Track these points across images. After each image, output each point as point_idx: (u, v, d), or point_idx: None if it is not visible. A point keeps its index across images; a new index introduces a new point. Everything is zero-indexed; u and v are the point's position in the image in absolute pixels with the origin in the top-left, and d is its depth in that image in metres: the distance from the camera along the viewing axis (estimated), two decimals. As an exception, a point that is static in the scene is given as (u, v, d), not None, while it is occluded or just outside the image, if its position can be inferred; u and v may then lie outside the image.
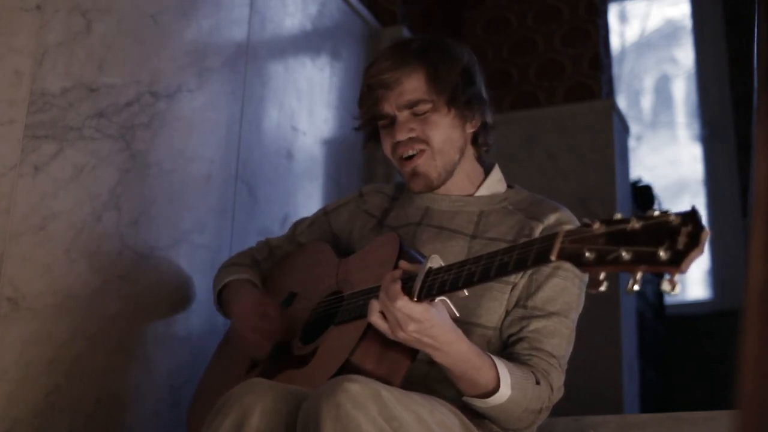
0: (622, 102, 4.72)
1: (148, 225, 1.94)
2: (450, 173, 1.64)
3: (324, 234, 1.85)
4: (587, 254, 1.07)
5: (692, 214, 1.00)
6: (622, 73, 5.08)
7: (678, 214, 1.01)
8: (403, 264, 1.43)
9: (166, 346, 1.98)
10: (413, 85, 1.61)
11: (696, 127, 4.96)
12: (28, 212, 1.65)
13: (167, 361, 1.98)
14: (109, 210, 1.83)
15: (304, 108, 2.64)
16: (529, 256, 1.19)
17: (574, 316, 1.56)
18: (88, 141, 1.79)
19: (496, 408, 1.41)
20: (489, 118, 1.68)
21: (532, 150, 3.54)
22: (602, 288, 1.07)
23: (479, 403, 1.41)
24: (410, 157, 1.62)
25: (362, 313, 1.43)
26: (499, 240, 1.59)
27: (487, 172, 1.71)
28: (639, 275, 1.03)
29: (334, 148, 2.80)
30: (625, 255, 1.03)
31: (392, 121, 1.63)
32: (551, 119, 3.60)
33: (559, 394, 1.51)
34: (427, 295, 1.32)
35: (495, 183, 1.69)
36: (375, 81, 1.63)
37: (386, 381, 1.37)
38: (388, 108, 1.62)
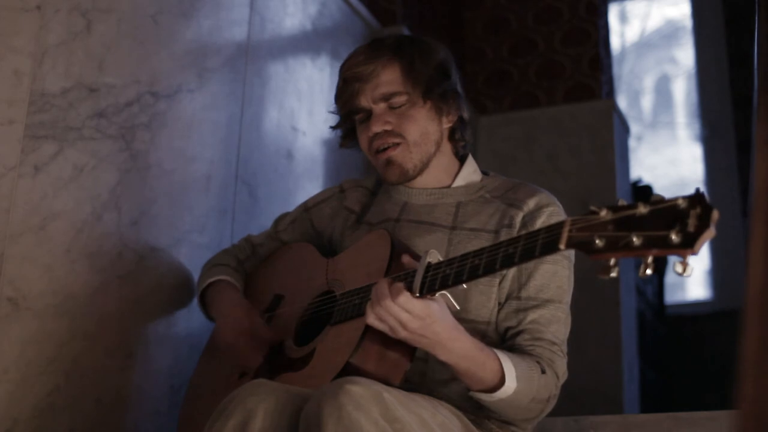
0: (622, 102, 4.72)
1: (148, 225, 1.94)
2: (426, 165, 1.64)
3: (306, 231, 1.84)
4: (597, 241, 1.07)
5: (699, 196, 1.00)
6: (622, 73, 5.08)
7: (685, 198, 1.01)
8: (405, 259, 1.42)
9: (166, 346, 1.98)
10: (389, 78, 1.61)
11: (696, 127, 4.97)
12: (28, 212, 1.65)
13: (167, 361, 1.98)
14: (109, 210, 1.83)
15: (304, 108, 2.64)
16: (536, 246, 1.18)
17: (568, 298, 1.56)
18: (88, 141, 1.79)
19: (503, 401, 1.40)
20: (466, 114, 1.68)
21: (532, 150, 3.54)
22: (613, 274, 1.07)
23: (485, 397, 1.41)
24: (385, 149, 1.62)
25: (359, 312, 1.42)
26: (479, 230, 1.58)
27: (462, 163, 1.70)
28: (650, 259, 1.03)
29: (334, 148, 2.78)
30: (635, 240, 1.03)
31: (369, 115, 1.63)
32: (551, 119, 3.60)
33: (564, 378, 1.52)
34: (429, 290, 1.31)
35: (470, 173, 1.69)
36: (350, 74, 1.63)
37: (387, 380, 1.36)
38: (364, 101, 1.62)
